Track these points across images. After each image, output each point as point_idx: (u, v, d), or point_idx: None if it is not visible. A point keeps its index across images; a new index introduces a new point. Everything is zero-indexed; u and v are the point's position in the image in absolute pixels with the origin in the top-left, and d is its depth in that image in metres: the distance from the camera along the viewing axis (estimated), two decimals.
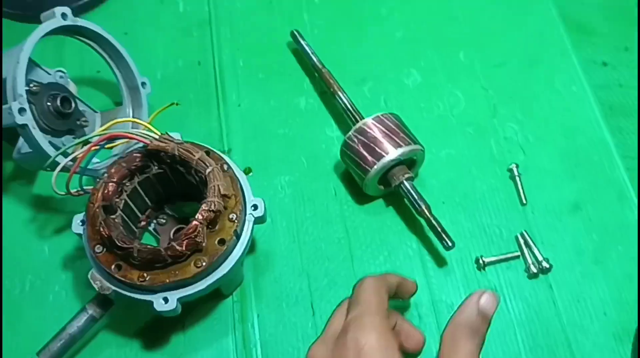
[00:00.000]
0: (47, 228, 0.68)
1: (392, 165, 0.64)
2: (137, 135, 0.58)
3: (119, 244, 0.54)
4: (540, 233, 0.67)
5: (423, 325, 0.62)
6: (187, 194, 0.64)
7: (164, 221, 0.66)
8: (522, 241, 0.66)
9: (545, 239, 0.67)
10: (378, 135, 0.64)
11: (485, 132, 0.73)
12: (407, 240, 0.67)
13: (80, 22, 0.64)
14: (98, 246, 0.56)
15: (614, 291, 0.65)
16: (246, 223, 0.58)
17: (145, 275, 0.55)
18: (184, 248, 0.54)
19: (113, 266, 0.55)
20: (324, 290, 0.64)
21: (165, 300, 0.55)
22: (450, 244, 0.62)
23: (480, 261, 0.65)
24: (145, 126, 0.59)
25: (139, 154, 0.59)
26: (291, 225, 0.67)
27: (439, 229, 0.62)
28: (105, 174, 0.58)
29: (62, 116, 0.65)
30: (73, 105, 0.66)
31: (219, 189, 0.56)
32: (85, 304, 0.59)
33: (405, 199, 0.65)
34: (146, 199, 0.63)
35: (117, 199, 0.59)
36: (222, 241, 0.56)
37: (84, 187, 0.61)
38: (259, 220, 0.59)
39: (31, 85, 0.62)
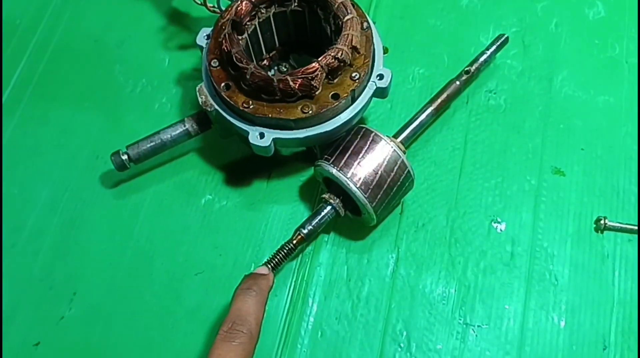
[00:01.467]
0: (173, 41, 0.68)
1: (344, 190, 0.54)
2: None
3: (236, 61, 0.52)
4: None
5: (513, 265, 0.56)
6: (317, 47, 0.59)
7: (285, 69, 0.62)
8: None
9: None
10: (376, 164, 0.53)
11: None
12: (528, 174, 0.60)
13: None
14: (215, 60, 0.54)
15: None
16: (367, 88, 0.54)
17: (250, 102, 0.52)
18: (296, 86, 0.51)
19: (223, 84, 0.53)
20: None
21: (262, 135, 0.53)
22: (270, 268, 0.52)
23: (602, 222, 0.57)
24: None
25: None
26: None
27: (281, 255, 0.53)
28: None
29: None
30: None
31: (352, 40, 0.52)
32: (185, 117, 0.58)
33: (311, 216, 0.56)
34: (275, 36, 0.60)
35: (249, 23, 0.56)
36: (335, 96, 0.52)
37: (221, 6, 0.59)
38: (380, 92, 0.55)
39: None
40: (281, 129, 0.53)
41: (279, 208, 0.60)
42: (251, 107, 0.52)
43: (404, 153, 0.54)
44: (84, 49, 0.68)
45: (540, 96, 0.63)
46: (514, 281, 0.56)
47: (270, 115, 0.52)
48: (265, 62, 0.62)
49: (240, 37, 0.56)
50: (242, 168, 0.61)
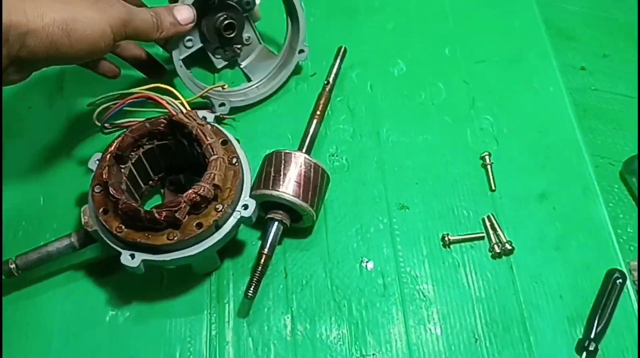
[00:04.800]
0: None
1: (282, 204, 0.65)
2: (167, 103, 0.63)
3: (111, 191, 0.59)
4: (506, 218, 0.71)
5: (388, 294, 0.66)
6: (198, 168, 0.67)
7: (172, 188, 0.70)
8: (488, 223, 0.70)
9: (510, 224, 0.71)
10: (296, 173, 0.65)
11: (462, 122, 0.78)
12: (380, 215, 0.71)
13: None
14: (98, 186, 0.61)
15: (571, 277, 0.68)
16: (231, 217, 0.61)
17: (123, 227, 0.59)
18: (161, 218, 0.58)
19: (101, 209, 0.60)
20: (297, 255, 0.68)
21: (132, 256, 0.59)
22: (250, 294, 0.62)
23: (446, 239, 0.69)
24: (181, 99, 0.64)
25: (164, 121, 0.64)
26: None
27: (256, 277, 0.63)
28: (128, 129, 0.63)
29: (220, 36, 0.74)
30: (233, 34, 0.75)
31: (214, 178, 0.59)
32: (72, 232, 0.64)
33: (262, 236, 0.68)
34: (160, 161, 0.68)
35: (132, 154, 0.64)
36: (199, 225, 0.59)
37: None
38: (245, 220, 0.61)
39: None
40: (149, 252, 0.59)
41: (178, 302, 0.66)
42: (124, 231, 0.59)
43: (313, 158, 0.67)
44: None
45: (373, 148, 0.76)
46: (392, 307, 0.66)
47: (139, 240, 0.58)
48: (151, 182, 0.69)
49: (123, 166, 0.63)
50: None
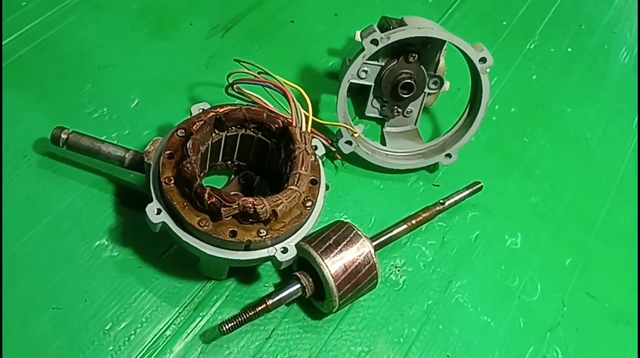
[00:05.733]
0: (152, 88, 0.73)
1: (316, 274, 0.59)
2: (296, 110, 0.60)
3: (187, 145, 0.56)
4: None
5: None
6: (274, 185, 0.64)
7: (243, 181, 0.66)
8: None
9: None
10: (351, 259, 0.59)
11: (532, 336, 0.67)
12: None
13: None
14: (182, 131, 0.58)
15: None
16: (265, 250, 0.56)
17: (172, 180, 0.56)
18: (208, 201, 0.53)
19: (168, 152, 0.57)
20: None
21: (158, 211, 0.55)
22: (224, 330, 0.56)
23: None
24: (309, 116, 0.61)
25: (280, 122, 0.60)
26: None
27: (241, 318, 0.56)
28: (246, 106, 0.61)
29: (393, 90, 0.71)
30: (407, 96, 0.71)
31: (278, 205, 0.54)
32: (132, 149, 0.62)
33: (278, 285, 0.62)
34: (250, 153, 0.64)
35: (233, 128, 0.61)
36: (233, 234, 0.54)
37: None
38: (275, 262, 0.57)
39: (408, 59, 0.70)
40: (175, 220, 0.55)
41: (162, 281, 0.61)
42: (169, 185, 0.55)
43: (376, 257, 0.60)
44: (69, 56, 0.71)
45: (435, 291, 0.68)
46: None
47: (175, 203, 0.54)
48: (229, 164, 0.65)
49: (217, 132, 0.60)
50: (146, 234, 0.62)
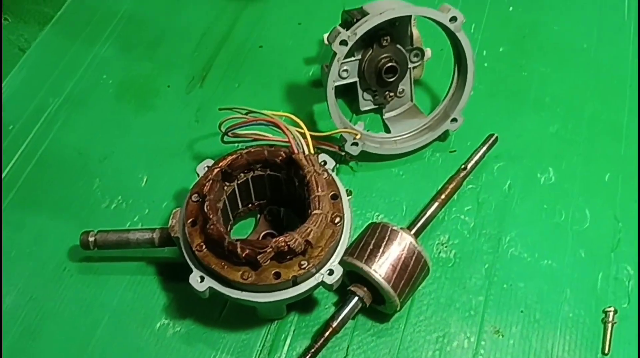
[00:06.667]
0: (155, 159, 0.74)
1: (369, 282, 0.59)
2: (293, 138, 0.60)
3: (205, 208, 0.56)
4: None
5: None
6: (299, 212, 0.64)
7: (270, 218, 0.67)
8: None
9: None
10: (396, 256, 0.59)
11: (597, 263, 0.67)
12: (469, 331, 0.63)
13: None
14: (196, 195, 0.59)
15: None
16: (312, 278, 0.56)
17: (203, 246, 0.56)
18: (243, 255, 0.54)
19: (190, 220, 0.58)
20: None
21: (202, 279, 0.56)
22: None
23: None
24: (307, 138, 0.61)
25: (283, 154, 0.60)
26: None
27: (314, 348, 0.58)
28: (245, 148, 0.61)
29: (379, 77, 0.71)
30: (393, 79, 0.71)
31: (309, 234, 0.55)
32: (157, 227, 0.63)
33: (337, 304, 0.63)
34: (267, 190, 0.65)
35: (241, 175, 0.62)
36: (277, 275, 0.55)
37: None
38: (326, 286, 0.57)
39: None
40: (220, 282, 0.56)
41: (229, 338, 0.62)
42: (203, 251, 0.56)
43: (419, 244, 0.61)
44: (69, 160, 0.73)
45: (488, 253, 0.67)
46: None
47: (214, 266, 0.55)
48: (251, 206, 0.66)
49: (228, 184, 0.61)
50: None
